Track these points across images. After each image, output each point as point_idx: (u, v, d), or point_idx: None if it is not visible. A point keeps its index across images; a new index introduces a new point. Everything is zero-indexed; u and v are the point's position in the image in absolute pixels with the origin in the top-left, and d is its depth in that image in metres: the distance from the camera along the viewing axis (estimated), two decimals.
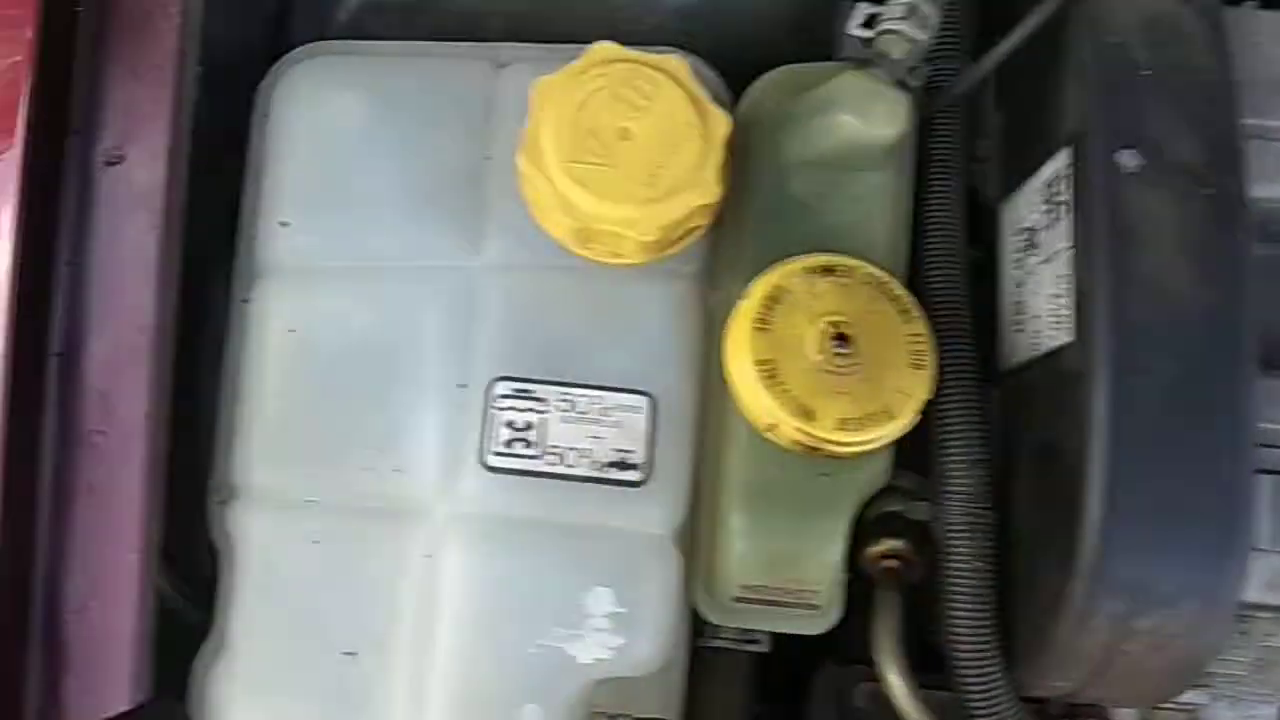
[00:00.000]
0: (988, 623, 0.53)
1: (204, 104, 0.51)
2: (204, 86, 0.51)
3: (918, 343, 0.50)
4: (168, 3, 0.48)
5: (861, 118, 0.50)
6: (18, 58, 0.45)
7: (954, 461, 0.53)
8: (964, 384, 0.54)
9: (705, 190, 0.48)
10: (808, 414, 0.48)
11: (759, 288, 0.50)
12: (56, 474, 0.48)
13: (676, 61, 0.49)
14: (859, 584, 0.56)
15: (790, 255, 0.52)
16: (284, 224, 0.52)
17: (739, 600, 0.53)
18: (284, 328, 0.51)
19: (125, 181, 0.48)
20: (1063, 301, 0.51)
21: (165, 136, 0.48)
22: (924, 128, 0.57)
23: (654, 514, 0.51)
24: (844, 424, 0.48)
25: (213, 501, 0.53)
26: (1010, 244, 0.57)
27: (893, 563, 0.57)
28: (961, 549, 0.53)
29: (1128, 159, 0.50)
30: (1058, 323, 0.51)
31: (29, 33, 0.45)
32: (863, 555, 0.56)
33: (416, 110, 0.52)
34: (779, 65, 0.56)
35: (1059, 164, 0.53)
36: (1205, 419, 0.47)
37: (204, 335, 0.54)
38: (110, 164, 0.48)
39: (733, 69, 0.56)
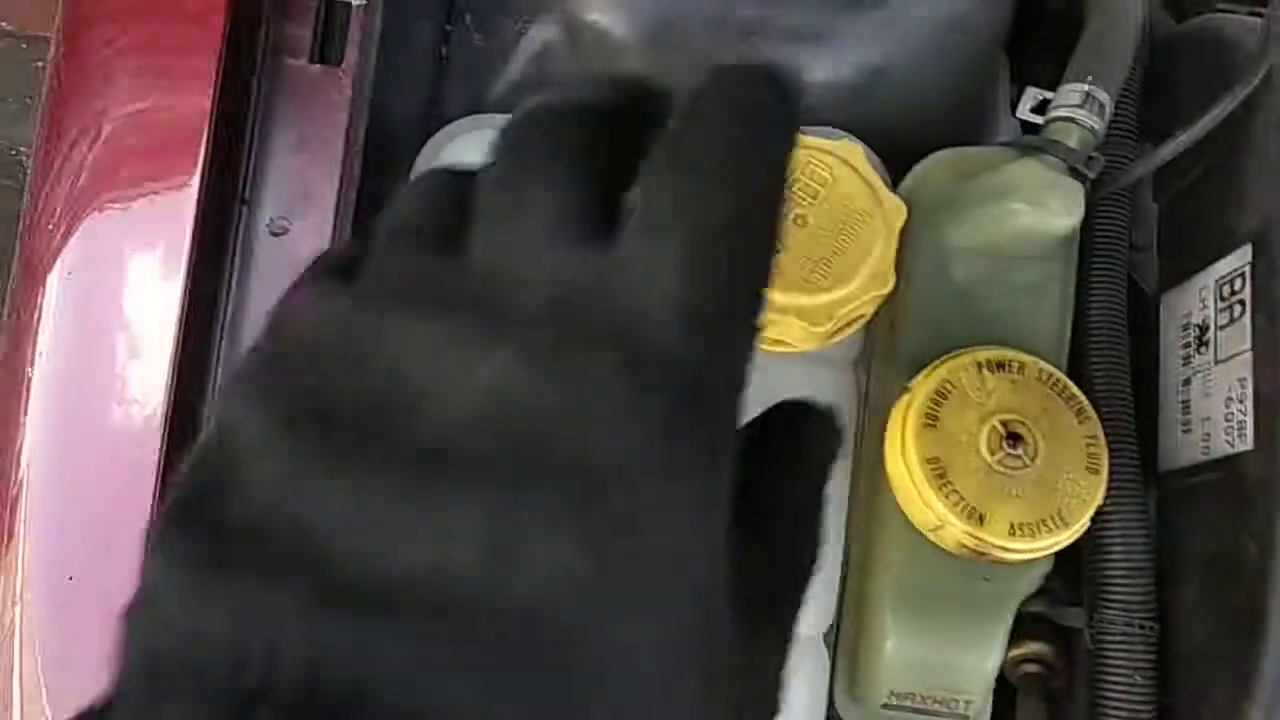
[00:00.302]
0: None
1: (362, 171, 0.50)
2: (364, 153, 0.50)
3: (1093, 445, 0.48)
4: (338, 76, 0.48)
5: (1037, 207, 0.49)
6: (193, 128, 0.45)
7: (1115, 568, 0.51)
8: (1126, 485, 0.51)
9: (881, 279, 0.46)
10: (978, 518, 0.46)
11: (926, 382, 0.48)
12: None
13: (852, 147, 0.48)
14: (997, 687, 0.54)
15: (949, 343, 0.50)
16: None
17: (886, 707, 0.51)
18: None
19: (288, 252, 0.47)
20: (1241, 406, 0.49)
21: (330, 209, 0.47)
22: (1086, 214, 0.55)
23: (804, 614, 0.49)
24: (1016, 529, 0.46)
25: None
26: (1174, 339, 0.55)
27: (1034, 668, 0.55)
28: (1120, 661, 0.50)
29: None
30: (1234, 428, 0.49)
31: (205, 102, 0.45)
32: (1003, 658, 0.54)
33: None
34: (930, 147, 0.55)
35: (1237, 261, 0.50)
36: None
37: None
38: (275, 234, 0.47)
39: (884, 150, 0.55)
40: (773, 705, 0.23)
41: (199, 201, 0.45)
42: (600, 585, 0.17)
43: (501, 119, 0.56)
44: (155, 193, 0.46)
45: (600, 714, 0.17)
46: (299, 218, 0.48)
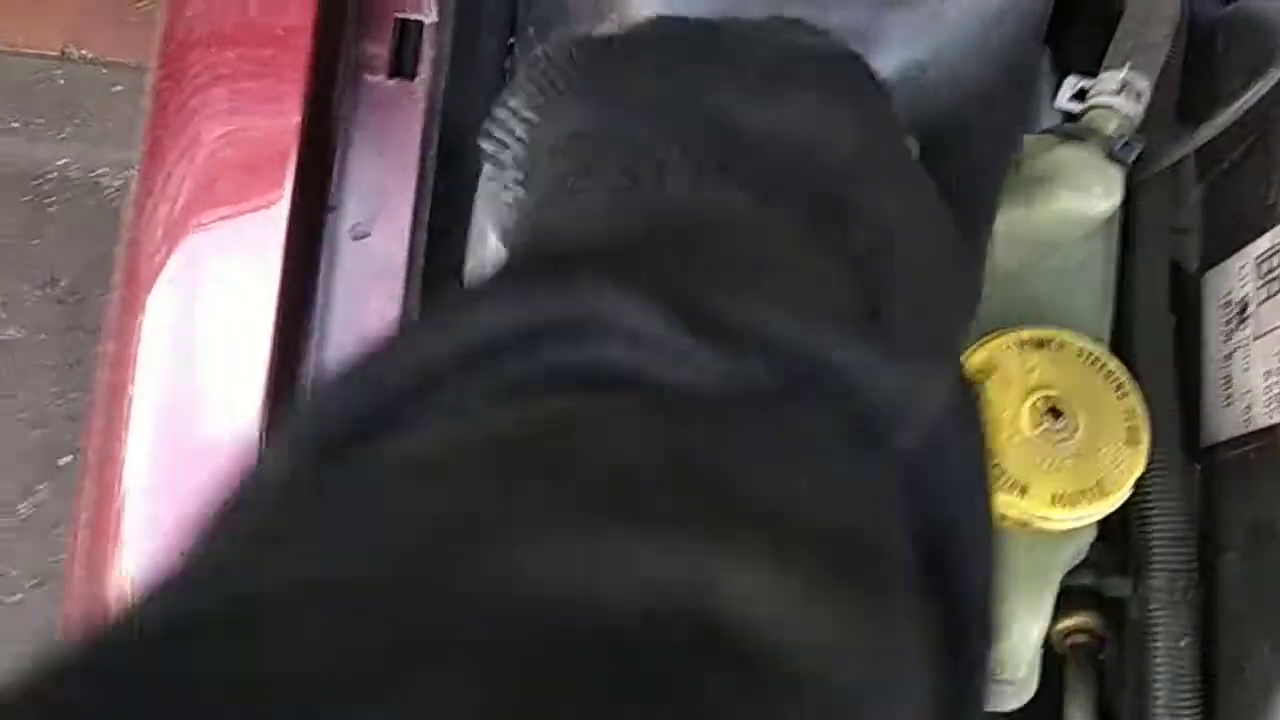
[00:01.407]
0: (1191, 704, 0.52)
1: (435, 181, 0.54)
2: (436, 165, 0.54)
3: (1132, 418, 0.50)
4: (413, 90, 0.52)
5: (1078, 192, 0.51)
6: (284, 145, 0.49)
7: (1158, 537, 0.53)
8: (1168, 456, 0.53)
9: None
10: (1021, 489, 0.48)
11: (970, 361, 0.50)
12: None
13: None
14: (1045, 659, 0.56)
15: (995, 326, 0.52)
16: None
17: None
18: None
19: (370, 256, 0.51)
20: (1279, 379, 0.50)
21: (408, 214, 0.51)
22: (1128, 196, 0.57)
23: None
24: (1057, 499, 0.48)
25: None
26: (1216, 316, 0.57)
27: (1081, 638, 0.57)
28: (1165, 628, 0.52)
29: None
30: (1274, 399, 0.51)
31: (294, 121, 0.49)
32: (1050, 629, 0.56)
33: None
34: (978, 135, 0.57)
35: (1276, 239, 0.52)
36: None
37: None
38: (357, 239, 0.51)
39: (935, 140, 0.57)
40: None
41: (290, 215, 0.49)
42: None
43: None
44: (249, 209, 0.51)
45: None
46: (379, 222, 0.51)
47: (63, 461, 1.67)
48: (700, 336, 0.20)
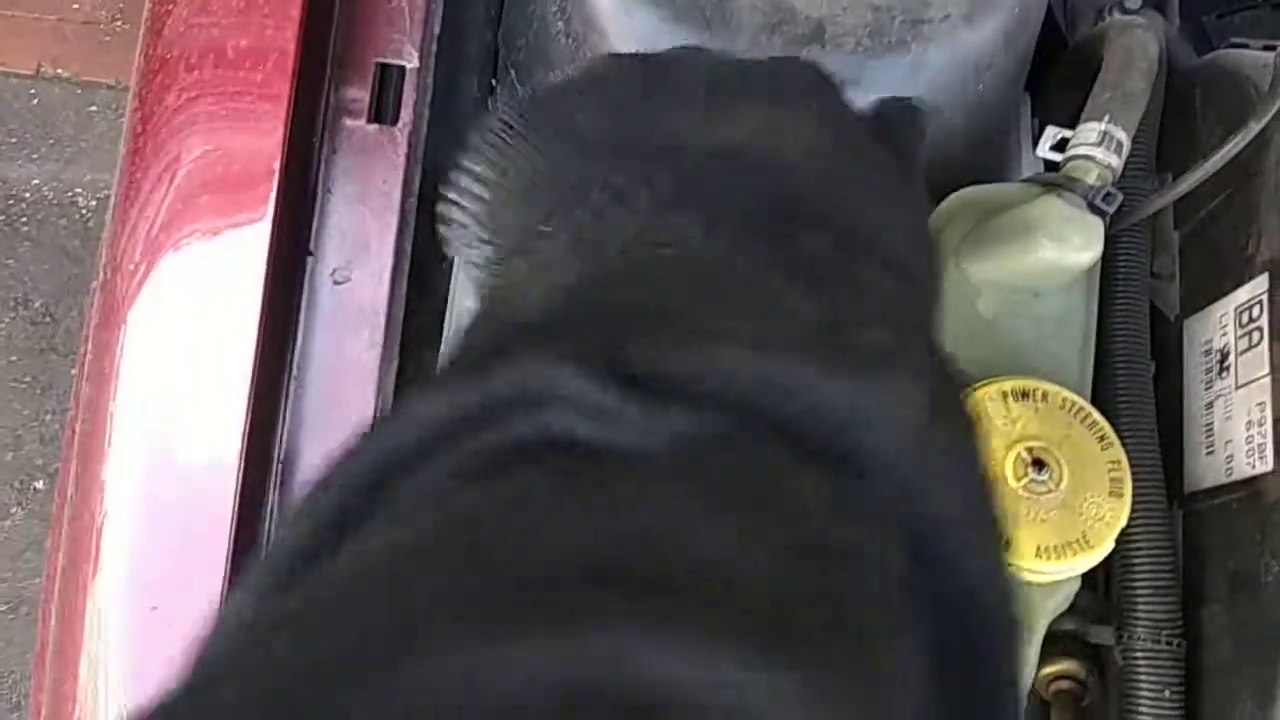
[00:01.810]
0: None
1: (416, 220, 0.54)
2: (418, 203, 0.54)
3: (1116, 469, 0.50)
4: (394, 135, 0.51)
5: (1058, 243, 0.51)
6: (265, 185, 0.48)
7: (1142, 587, 0.53)
8: (1152, 506, 0.53)
9: None
10: (1005, 541, 0.48)
11: None
12: None
13: None
14: (1029, 704, 0.56)
15: (978, 375, 0.52)
16: None
17: None
18: None
19: (351, 300, 0.51)
20: (1261, 429, 0.51)
21: (389, 258, 0.50)
22: (1107, 245, 0.57)
23: None
24: (1042, 551, 0.48)
25: None
26: (1197, 363, 0.57)
27: (1065, 684, 0.57)
28: (1149, 678, 0.52)
29: None
30: (1255, 450, 0.51)
31: (274, 164, 0.48)
32: (1035, 675, 0.55)
33: None
34: (956, 184, 0.57)
35: (1255, 290, 0.52)
36: None
37: None
38: (338, 283, 0.51)
39: None
40: None
41: (270, 256, 0.48)
42: None
43: None
44: (228, 245, 0.50)
45: None
46: (360, 267, 0.51)
47: (38, 485, 1.65)
48: (631, 397, 0.21)
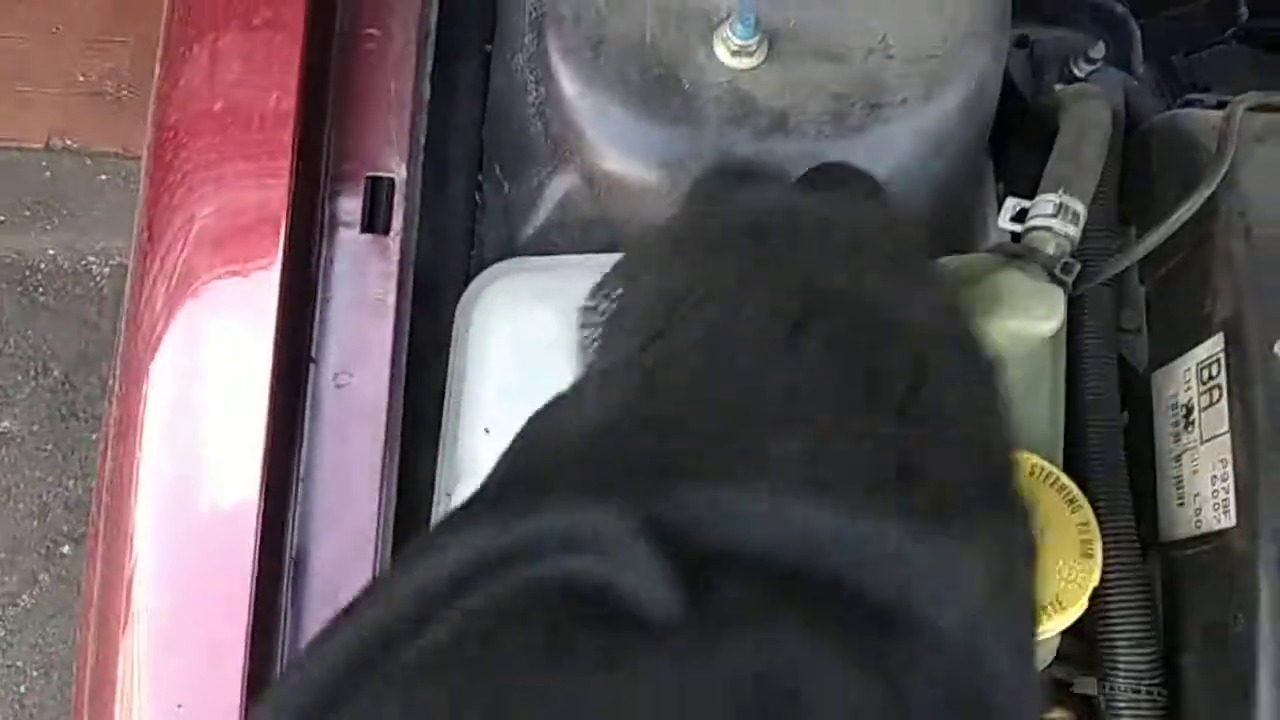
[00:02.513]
0: None
1: (412, 315, 0.57)
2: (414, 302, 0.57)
3: (1085, 532, 0.52)
4: (387, 243, 0.54)
5: (1021, 315, 0.53)
6: (267, 298, 0.51)
7: (1120, 638, 0.55)
8: (1126, 559, 0.55)
9: None
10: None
11: None
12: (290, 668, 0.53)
13: None
14: None
15: None
16: (487, 431, 0.57)
17: None
18: None
19: (353, 401, 0.54)
20: (1224, 485, 0.53)
21: (387, 359, 0.53)
22: (1074, 304, 0.59)
23: None
24: None
25: None
26: (1166, 416, 0.59)
27: None
28: None
29: None
30: (1220, 505, 0.53)
31: (277, 276, 0.51)
32: None
33: None
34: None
35: (1213, 348, 0.55)
36: None
37: (414, 525, 0.59)
38: (340, 386, 0.54)
39: None
40: None
41: (274, 365, 0.51)
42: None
43: (533, 261, 0.62)
44: (233, 354, 0.53)
45: None
46: (359, 369, 0.54)
47: (64, 550, 1.68)
48: (661, 553, 0.20)
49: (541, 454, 0.26)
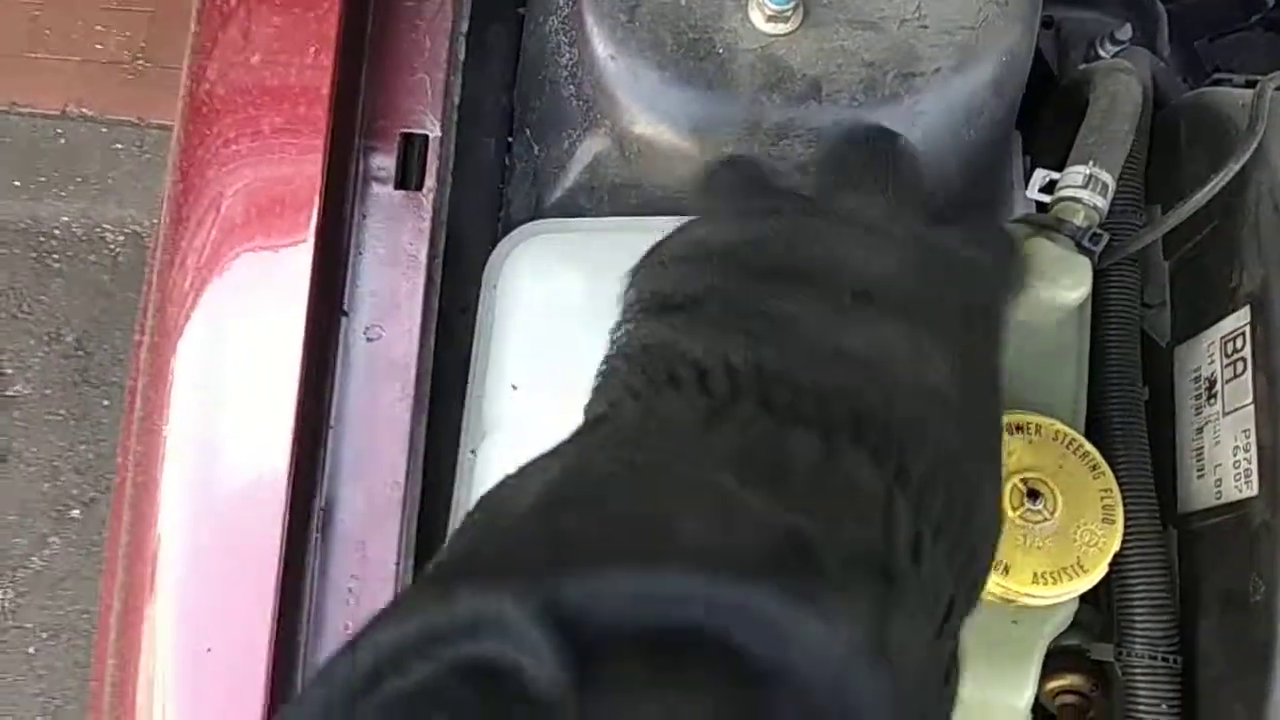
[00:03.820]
0: None
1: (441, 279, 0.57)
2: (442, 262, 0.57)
3: (1107, 497, 0.53)
4: (419, 200, 0.55)
5: (1048, 282, 0.54)
6: (302, 251, 0.52)
7: (1138, 606, 0.55)
8: (1146, 529, 0.56)
9: None
10: (1004, 568, 0.51)
11: None
12: (317, 617, 0.54)
13: None
14: (1036, 716, 0.59)
15: None
16: (514, 387, 0.57)
17: None
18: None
19: (383, 355, 0.54)
20: (1247, 455, 0.53)
21: (418, 315, 0.54)
22: (1099, 278, 0.60)
23: None
24: (1039, 578, 0.51)
25: None
26: (1187, 389, 0.60)
27: (1070, 698, 0.59)
28: (1147, 693, 0.55)
29: None
30: (1242, 475, 0.53)
31: (311, 232, 0.52)
32: (1040, 690, 0.58)
33: None
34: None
35: (1238, 321, 0.55)
36: None
37: (439, 483, 0.60)
38: (370, 340, 0.54)
39: None
40: None
41: (309, 316, 0.52)
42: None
43: (561, 222, 0.63)
44: (271, 304, 0.54)
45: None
46: (390, 324, 0.54)
47: (74, 514, 1.70)
48: (554, 634, 0.22)
49: (482, 534, 0.28)
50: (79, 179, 1.85)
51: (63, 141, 1.87)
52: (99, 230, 1.83)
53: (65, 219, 1.85)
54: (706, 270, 0.34)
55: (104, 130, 1.85)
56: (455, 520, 0.59)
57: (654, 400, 0.29)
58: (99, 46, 1.86)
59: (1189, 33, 0.89)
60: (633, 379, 0.31)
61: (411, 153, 0.55)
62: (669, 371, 0.30)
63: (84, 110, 1.86)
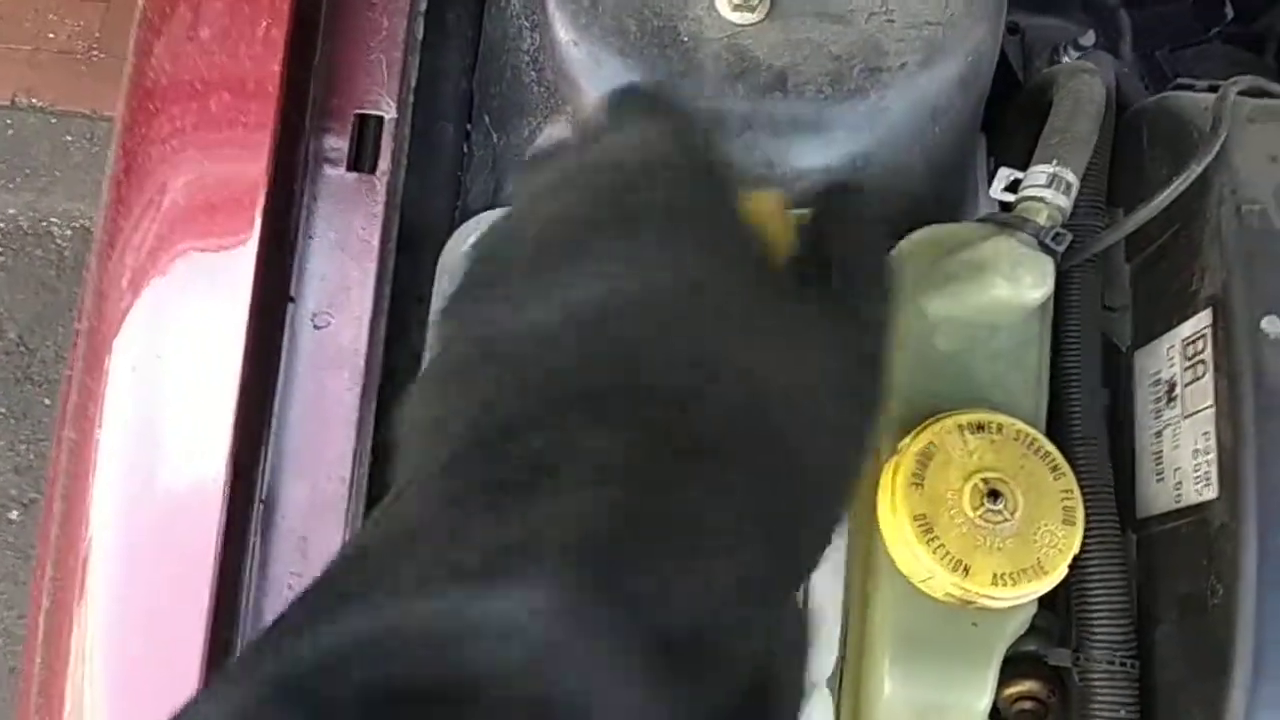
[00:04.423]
0: None
1: (395, 262, 0.55)
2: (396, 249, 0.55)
3: (1068, 498, 0.52)
4: (373, 183, 0.53)
5: (1010, 281, 0.53)
6: (246, 234, 0.50)
7: (1097, 610, 0.55)
8: (1105, 533, 0.56)
9: None
10: (964, 569, 0.50)
11: (913, 445, 0.52)
12: (254, 615, 0.52)
13: None
14: None
15: (936, 408, 0.55)
16: None
17: None
18: None
19: (331, 343, 0.52)
20: (1207, 458, 0.53)
21: (368, 303, 0.52)
22: (1061, 280, 0.59)
23: (812, 662, 0.53)
24: (998, 579, 0.50)
25: None
26: (1147, 393, 0.59)
27: (1028, 704, 0.59)
28: (1104, 699, 0.54)
29: (1270, 325, 0.52)
30: (1202, 478, 0.53)
31: (256, 213, 0.50)
32: (998, 695, 0.57)
33: None
34: (915, 223, 0.60)
35: (1199, 324, 0.55)
36: None
37: (386, 478, 0.58)
38: (319, 328, 0.52)
39: None
40: None
41: (252, 302, 0.50)
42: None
43: None
44: (212, 290, 0.52)
45: None
46: (340, 311, 0.53)
47: (11, 515, 1.64)
48: (286, 706, 0.21)
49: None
50: (27, 171, 1.81)
51: (11, 132, 1.82)
52: (45, 224, 1.78)
53: (11, 211, 1.80)
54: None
55: (54, 121, 1.80)
56: None
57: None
58: (52, 36, 1.82)
59: (1150, 42, 0.89)
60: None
61: (366, 134, 0.53)
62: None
63: (34, 101, 1.82)
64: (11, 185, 1.79)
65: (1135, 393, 0.61)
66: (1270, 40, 0.91)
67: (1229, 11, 0.90)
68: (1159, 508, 0.57)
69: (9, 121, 1.80)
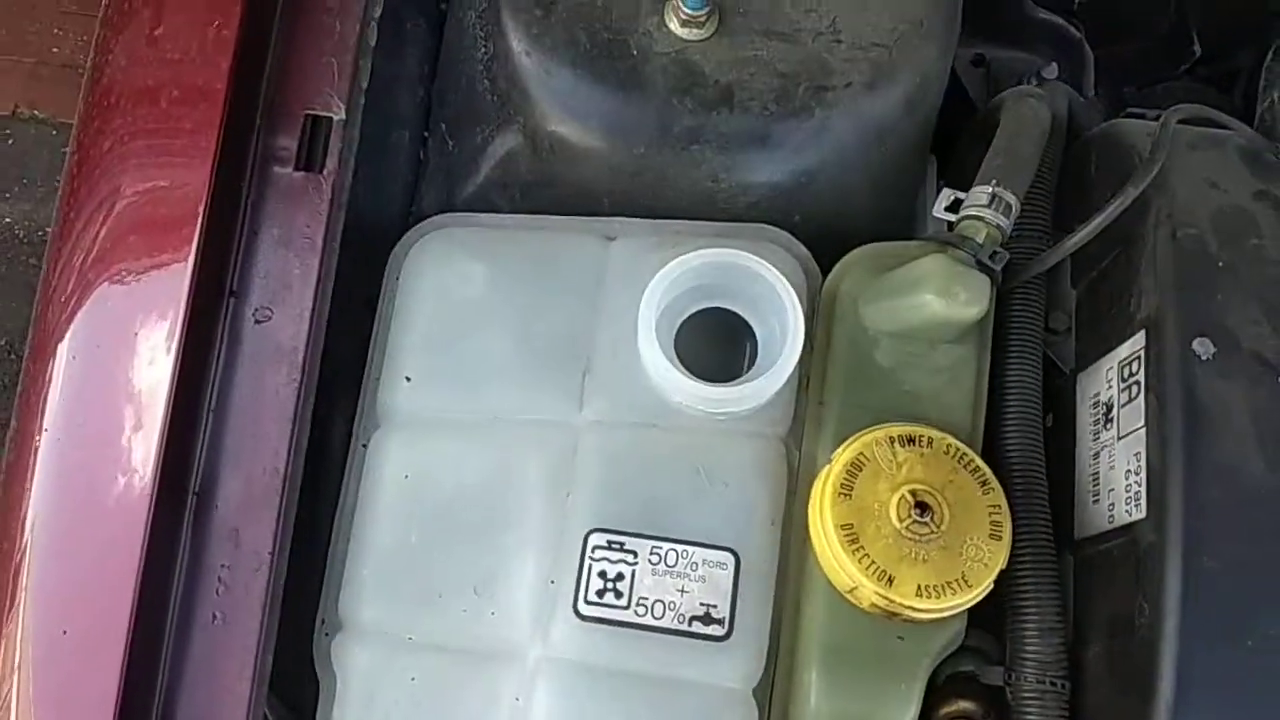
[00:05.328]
0: None
1: (344, 264, 0.56)
2: (344, 248, 0.56)
3: (996, 513, 0.52)
4: (319, 182, 0.54)
5: (946, 298, 0.54)
6: (187, 227, 0.51)
7: (1029, 629, 0.55)
8: (1039, 552, 0.55)
9: None
10: (888, 579, 0.50)
11: (842, 455, 0.53)
12: (184, 604, 0.52)
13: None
14: None
15: (873, 421, 0.55)
16: (408, 379, 0.56)
17: None
18: (399, 473, 0.56)
19: (271, 338, 0.53)
20: (1138, 478, 0.53)
21: (309, 299, 0.53)
22: (1003, 300, 0.60)
23: (735, 669, 0.53)
24: (922, 591, 0.50)
25: (320, 634, 0.56)
26: (1087, 415, 0.60)
27: None
28: (1035, 716, 0.54)
29: (1201, 347, 0.52)
30: (1132, 499, 0.53)
31: (199, 207, 0.51)
32: (934, 715, 0.57)
33: (531, 279, 0.57)
34: (860, 241, 0.60)
35: (1135, 346, 0.55)
36: (1275, 600, 0.49)
37: (323, 476, 0.58)
38: (259, 322, 0.53)
39: (820, 243, 0.60)
40: None
41: (190, 294, 0.51)
42: None
43: (467, 217, 0.62)
44: (152, 282, 0.52)
45: None
46: (281, 307, 0.53)
47: None
48: None
49: None
50: (25, 181, 1.82)
51: (11, 143, 1.84)
52: (41, 234, 1.79)
53: (8, 220, 1.81)
54: None
55: (54, 133, 1.82)
56: (345, 512, 0.57)
57: None
58: (55, 50, 1.84)
59: (1119, 80, 0.90)
60: None
61: (316, 134, 0.54)
62: None
63: (35, 112, 1.84)
64: (9, 195, 1.81)
65: (1077, 416, 0.61)
66: (1238, 78, 0.92)
67: (1197, 49, 0.91)
68: (1094, 529, 0.57)
69: (9, 132, 1.82)
